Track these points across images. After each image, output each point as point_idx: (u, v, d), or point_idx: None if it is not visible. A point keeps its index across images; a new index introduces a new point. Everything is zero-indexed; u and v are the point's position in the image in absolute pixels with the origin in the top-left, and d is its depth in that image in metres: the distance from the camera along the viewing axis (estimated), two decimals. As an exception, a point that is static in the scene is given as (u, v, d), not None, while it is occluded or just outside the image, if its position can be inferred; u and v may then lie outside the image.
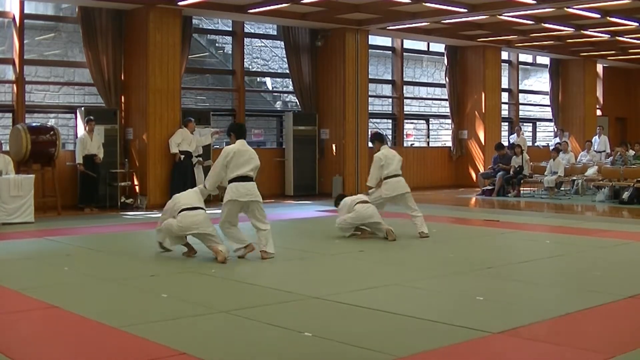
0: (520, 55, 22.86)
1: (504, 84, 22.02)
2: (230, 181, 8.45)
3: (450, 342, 5.13)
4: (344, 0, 15.29)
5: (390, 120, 20.37)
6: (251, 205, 8.48)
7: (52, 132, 13.26)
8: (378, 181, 10.46)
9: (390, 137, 20.09)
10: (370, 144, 18.06)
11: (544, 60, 24.00)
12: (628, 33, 18.47)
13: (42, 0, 15.22)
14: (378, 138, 10.92)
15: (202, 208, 8.56)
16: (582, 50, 21.99)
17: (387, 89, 21.08)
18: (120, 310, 6.18)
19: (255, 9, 14.97)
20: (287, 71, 17.98)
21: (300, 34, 17.47)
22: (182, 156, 14.45)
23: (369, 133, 18.22)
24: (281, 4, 14.66)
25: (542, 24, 16.94)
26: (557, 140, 20.57)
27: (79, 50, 16.18)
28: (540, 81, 25.83)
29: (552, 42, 19.97)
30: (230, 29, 17.66)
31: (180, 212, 8.44)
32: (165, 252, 8.86)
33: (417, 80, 24.18)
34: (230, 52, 18.73)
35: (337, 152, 17.49)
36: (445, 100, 21.04)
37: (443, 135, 22.52)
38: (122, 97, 15.02)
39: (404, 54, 20.41)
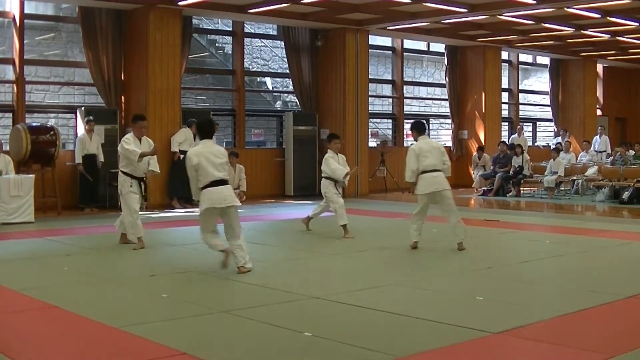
0: (520, 55, 22.86)
1: (504, 84, 22.01)
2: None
3: (450, 342, 5.13)
4: (344, 0, 15.29)
5: (390, 120, 20.36)
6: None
7: (52, 132, 13.26)
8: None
9: (390, 137, 20.10)
10: (370, 144, 18.22)
11: (544, 60, 23.99)
12: (628, 33, 18.47)
13: (42, 0, 15.21)
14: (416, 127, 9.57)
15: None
16: (582, 50, 21.98)
17: (387, 89, 21.06)
18: (120, 310, 6.18)
19: (255, 9, 14.97)
20: (287, 71, 17.96)
21: (300, 34, 17.46)
22: (182, 156, 14.46)
23: (369, 133, 18.25)
24: (281, 4, 14.66)
25: (542, 24, 16.94)
26: (559, 139, 20.56)
27: (79, 50, 16.16)
28: (540, 81, 25.81)
29: (552, 42, 19.97)
30: (230, 29, 17.65)
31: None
32: (164, 253, 8.89)
33: (417, 80, 24.15)
34: (230, 52, 18.72)
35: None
36: (445, 100, 21.03)
37: (443, 135, 22.50)
38: (122, 97, 15.02)
39: (404, 54, 20.41)
